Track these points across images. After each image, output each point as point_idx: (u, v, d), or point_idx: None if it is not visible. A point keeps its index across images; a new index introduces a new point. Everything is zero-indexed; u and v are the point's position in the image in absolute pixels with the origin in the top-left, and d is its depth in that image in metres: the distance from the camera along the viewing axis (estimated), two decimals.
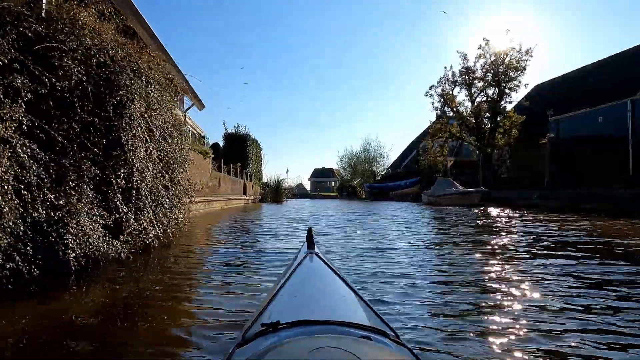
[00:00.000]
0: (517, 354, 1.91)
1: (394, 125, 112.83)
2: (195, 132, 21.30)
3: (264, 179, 33.59)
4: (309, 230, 1.78)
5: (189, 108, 16.55)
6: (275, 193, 30.23)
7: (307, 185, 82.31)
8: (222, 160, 17.22)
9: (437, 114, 27.08)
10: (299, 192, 63.24)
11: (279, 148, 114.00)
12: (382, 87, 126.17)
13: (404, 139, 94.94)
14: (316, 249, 1.69)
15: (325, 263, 1.50)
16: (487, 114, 24.43)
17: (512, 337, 2.11)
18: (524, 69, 23.47)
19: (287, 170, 61.33)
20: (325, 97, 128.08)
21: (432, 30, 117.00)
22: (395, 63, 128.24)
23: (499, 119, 23.77)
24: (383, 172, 49.71)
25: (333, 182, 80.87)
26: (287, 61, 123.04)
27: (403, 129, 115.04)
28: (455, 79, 26.13)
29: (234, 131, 27.03)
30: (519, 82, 23.19)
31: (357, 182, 50.34)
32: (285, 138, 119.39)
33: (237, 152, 25.78)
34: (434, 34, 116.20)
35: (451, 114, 26.48)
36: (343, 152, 61.66)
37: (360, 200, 38.82)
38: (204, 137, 22.92)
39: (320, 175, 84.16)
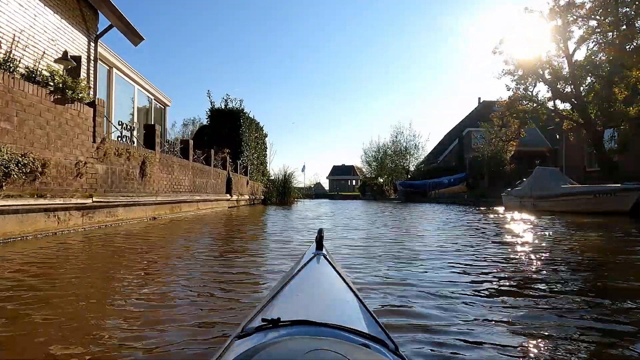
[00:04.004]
0: None
1: (424, 116, 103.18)
2: (141, 88, 13.69)
3: (271, 175, 25.88)
4: (320, 231, 1.60)
5: (104, 31, 8.99)
6: (282, 192, 22.50)
7: (325, 185, 74.64)
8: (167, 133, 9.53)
9: (513, 78, 18.52)
10: (316, 192, 55.65)
11: (295, 145, 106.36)
12: (407, 72, 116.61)
13: (437, 131, 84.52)
14: (324, 251, 1.55)
15: (332, 265, 1.40)
16: (601, 73, 15.86)
17: None
18: None
19: (304, 167, 53.11)
20: (344, 88, 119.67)
21: None
22: (428, 37, 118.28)
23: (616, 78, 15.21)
24: (413, 169, 41.24)
25: (354, 181, 73.10)
26: (303, 49, 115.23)
27: (436, 120, 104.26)
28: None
29: (222, 106, 19.38)
30: None
31: (385, 180, 42.10)
32: (302, 134, 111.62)
33: (226, 133, 18.18)
34: None
35: (532, 78, 17.96)
36: (368, 144, 53.07)
37: (391, 201, 30.60)
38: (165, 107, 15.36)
39: (340, 173, 76.44)
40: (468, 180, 30.60)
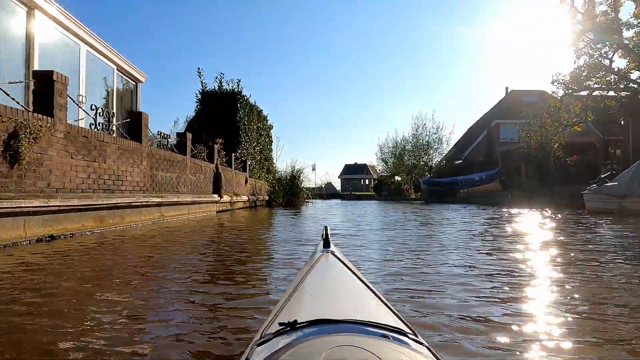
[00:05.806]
0: None
1: (444, 110, 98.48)
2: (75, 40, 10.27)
3: (277, 173, 22.32)
4: (325, 229, 1.66)
5: None
6: (290, 192, 18.98)
7: (337, 184, 70.83)
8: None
9: (577, 47, 14.49)
10: (327, 192, 51.95)
11: (305, 144, 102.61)
12: (426, 65, 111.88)
13: (459, 125, 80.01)
14: (332, 248, 1.57)
15: (342, 262, 1.40)
16: None
17: None
18: None
19: (314, 167, 48.99)
20: (355, 84, 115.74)
21: None
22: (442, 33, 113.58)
23: None
24: (434, 166, 37.28)
25: (367, 180, 69.25)
26: (314, 46, 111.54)
27: (458, 113, 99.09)
28: None
29: (215, 87, 15.86)
30: None
31: (403, 178, 38.21)
32: (311, 133, 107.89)
33: (219, 120, 14.68)
34: None
35: (611, 42, 13.93)
36: (384, 140, 48.78)
37: (412, 202, 26.76)
38: (135, 81, 11.93)
39: (353, 172, 72.66)
40: (501, 176, 26.79)
